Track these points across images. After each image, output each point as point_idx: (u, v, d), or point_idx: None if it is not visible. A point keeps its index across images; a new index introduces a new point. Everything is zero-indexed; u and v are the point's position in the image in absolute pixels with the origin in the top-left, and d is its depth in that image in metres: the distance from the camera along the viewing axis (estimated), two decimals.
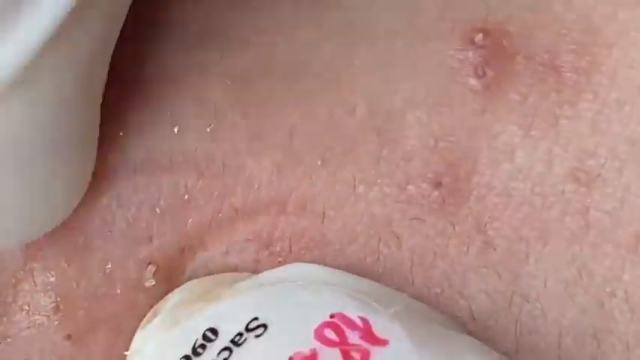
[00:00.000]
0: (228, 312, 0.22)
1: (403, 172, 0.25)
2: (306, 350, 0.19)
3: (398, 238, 0.25)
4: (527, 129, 0.25)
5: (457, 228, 0.25)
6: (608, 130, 0.25)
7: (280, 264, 0.25)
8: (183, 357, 0.21)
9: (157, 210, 0.26)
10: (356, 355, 0.19)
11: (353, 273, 0.25)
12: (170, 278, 0.26)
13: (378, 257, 0.25)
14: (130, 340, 0.25)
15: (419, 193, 0.25)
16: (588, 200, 0.25)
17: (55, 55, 0.19)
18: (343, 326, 0.20)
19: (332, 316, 0.20)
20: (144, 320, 0.24)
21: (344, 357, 0.19)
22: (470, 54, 0.26)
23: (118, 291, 0.26)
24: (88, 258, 0.26)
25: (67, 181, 0.23)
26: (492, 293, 0.25)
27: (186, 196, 0.26)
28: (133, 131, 0.26)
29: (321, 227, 0.25)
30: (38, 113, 0.20)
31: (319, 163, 0.26)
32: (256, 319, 0.21)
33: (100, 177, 0.25)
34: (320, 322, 0.20)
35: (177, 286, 0.25)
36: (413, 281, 0.25)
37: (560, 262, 0.25)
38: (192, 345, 0.21)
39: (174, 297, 0.24)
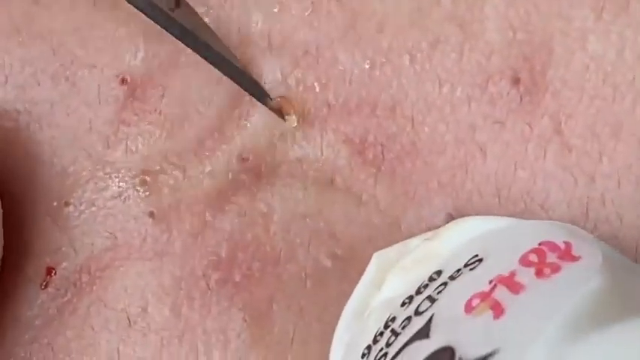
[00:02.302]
0: (456, 253, 0.23)
1: (484, 70, 0.26)
2: (506, 272, 0.21)
3: (482, 149, 0.26)
4: (599, 12, 0.26)
5: (534, 130, 0.26)
6: None
7: (374, 174, 0.26)
8: (407, 297, 0.23)
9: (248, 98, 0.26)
10: (547, 270, 0.20)
11: (443, 187, 0.26)
12: (260, 172, 0.26)
13: (466, 172, 0.26)
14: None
15: (498, 92, 0.26)
16: None
17: None
18: (547, 250, 0.21)
19: (540, 244, 0.22)
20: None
21: (537, 273, 0.20)
22: None
23: (206, 178, 0.27)
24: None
25: None
26: (570, 201, 0.26)
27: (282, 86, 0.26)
28: None
29: (411, 133, 0.26)
30: None
31: (407, 61, 0.26)
32: (476, 255, 0.22)
33: None
34: (528, 249, 0.21)
35: (268, 181, 0.26)
36: (499, 198, 0.26)
37: (632, 158, 0.26)
38: (418, 286, 0.23)
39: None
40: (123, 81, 0.27)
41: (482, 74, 0.26)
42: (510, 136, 0.26)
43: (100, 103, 0.27)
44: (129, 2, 0.24)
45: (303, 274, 0.26)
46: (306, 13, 0.26)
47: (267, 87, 0.26)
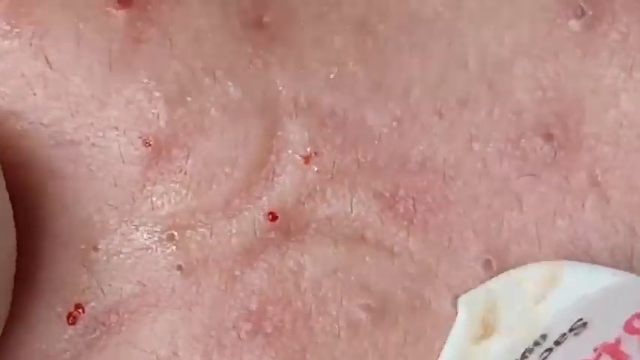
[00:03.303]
0: (560, 317, 0.23)
1: (515, 127, 0.26)
2: (611, 340, 0.21)
3: (517, 198, 0.27)
4: (630, 70, 0.26)
5: (571, 182, 0.26)
6: None
7: (405, 227, 0.27)
8: None
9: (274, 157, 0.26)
10: None
11: (478, 235, 0.27)
12: (289, 230, 0.27)
13: (502, 221, 0.27)
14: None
15: (531, 148, 0.26)
16: None
17: None
18: None
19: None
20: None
21: None
22: None
23: (234, 237, 0.27)
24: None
25: None
26: (613, 249, 0.26)
27: (309, 148, 0.27)
28: None
29: (442, 187, 0.27)
30: None
31: (436, 118, 0.27)
32: (581, 319, 0.22)
33: None
34: (633, 313, 0.21)
35: (297, 239, 0.27)
36: (539, 246, 0.27)
37: None
38: (523, 350, 0.23)
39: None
40: (146, 143, 0.26)
41: (513, 130, 0.26)
42: (545, 188, 0.27)
43: (124, 162, 0.27)
44: None
45: (336, 326, 0.27)
46: (332, 76, 0.26)
47: (294, 147, 0.26)
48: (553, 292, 0.25)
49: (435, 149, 0.27)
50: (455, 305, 0.26)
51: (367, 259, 0.27)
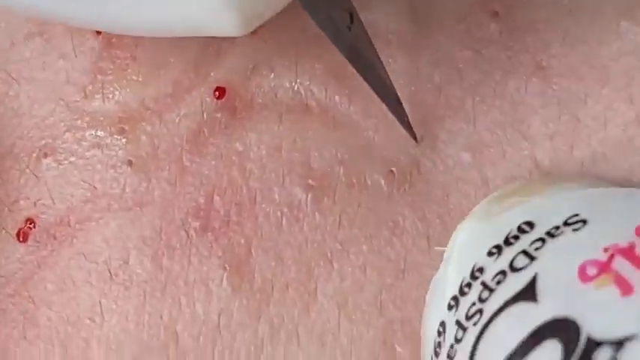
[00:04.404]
0: (549, 206, 0.21)
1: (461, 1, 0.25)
2: (623, 243, 0.18)
3: (459, 72, 0.25)
4: None
5: (515, 64, 0.24)
6: None
7: (347, 95, 0.25)
8: (494, 246, 0.21)
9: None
10: None
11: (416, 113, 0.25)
12: (235, 108, 0.25)
13: (440, 95, 0.25)
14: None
15: (476, 23, 0.25)
16: None
17: None
18: None
19: None
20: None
21: None
22: None
23: (182, 120, 0.26)
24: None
25: None
26: (554, 135, 0.24)
27: None
28: None
29: (385, 59, 0.25)
30: None
31: None
32: (577, 215, 0.20)
33: None
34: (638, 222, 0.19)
35: (243, 116, 0.25)
36: (474, 122, 0.24)
37: (620, 102, 0.23)
38: (505, 236, 0.21)
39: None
40: (97, 32, 0.26)
41: (459, 4, 0.25)
42: (489, 67, 0.25)
43: (76, 56, 0.26)
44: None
45: (279, 213, 0.25)
46: None
47: None
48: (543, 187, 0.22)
49: (383, 19, 0.25)
50: (389, 179, 0.24)
51: (310, 132, 0.25)
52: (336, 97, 0.25)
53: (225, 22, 0.20)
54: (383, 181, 0.25)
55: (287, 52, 0.25)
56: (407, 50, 0.25)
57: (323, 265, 0.24)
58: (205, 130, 0.25)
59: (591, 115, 0.24)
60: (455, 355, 0.20)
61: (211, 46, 0.25)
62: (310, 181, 0.25)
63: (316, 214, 0.24)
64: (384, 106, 0.23)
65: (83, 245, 0.26)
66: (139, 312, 0.25)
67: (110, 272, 0.25)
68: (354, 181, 0.24)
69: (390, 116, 0.24)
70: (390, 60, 0.25)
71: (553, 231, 0.20)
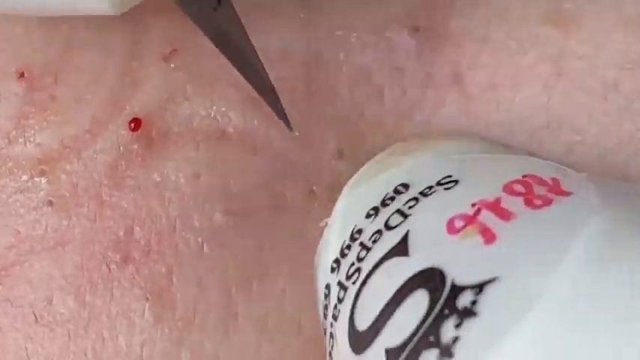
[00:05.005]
0: (424, 169, 0.22)
1: (382, 17, 0.25)
2: (490, 198, 0.19)
3: (379, 91, 0.25)
4: None
5: (435, 77, 0.25)
6: None
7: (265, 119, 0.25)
8: (372, 208, 0.22)
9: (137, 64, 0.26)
10: (537, 201, 0.19)
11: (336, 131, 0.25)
12: (152, 139, 0.26)
13: (362, 113, 0.25)
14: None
15: (397, 40, 0.25)
16: (563, 45, 0.24)
17: None
18: (533, 183, 0.20)
19: (524, 176, 0.20)
20: None
21: (526, 203, 0.19)
22: None
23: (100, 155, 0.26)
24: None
25: None
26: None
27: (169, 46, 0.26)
28: None
29: (304, 77, 0.25)
30: None
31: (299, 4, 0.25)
32: (450, 176, 0.21)
33: None
34: (511, 179, 0.20)
35: (160, 147, 0.26)
36: (394, 139, 0.25)
37: (532, 110, 0.24)
38: (382, 198, 0.22)
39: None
40: (21, 75, 0.26)
41: (380, 21, 0.25)
42: (408, 81, 0.25)
43: (0, 101, 0.26)
44: None
45: (200, 239, 0.24)
46: None
47: (155, 48, 0.26)
48: (416, 147, 0.23)
49: (296, 38, 0.25)
50: (310, 198, 0.25)
51: (229, 158, 0.25)
52: (255, 122, 0.25)
53: None
54: (304, 202, 0.24)
55: (202, 80, 0.25)
56: (325, 70, 0.25)
57: (244, 288, 0.24)
58: (123, 163, 0.25)
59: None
60: (339, 315, 0.20)
61: (127, 77, 0.25)
62: (230, 206, 0.25)
63: (237, 238, 0.24)
64: (303, 125, 0.24)
65: (9, 291, 0.25)
66: (64, 352, 0.24)
67: (35, 315, 0.25)
68: (275, 203, 0.25)
69: (311, 137, 0.24)
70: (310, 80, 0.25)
71: (426, 191, 0.21)
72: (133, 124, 0.25)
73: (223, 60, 0.23)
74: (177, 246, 0.24)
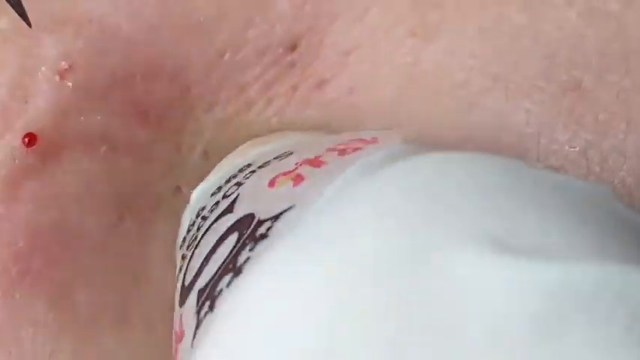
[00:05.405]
0: (264, 154, 0.24)
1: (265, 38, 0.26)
2: (312, 156, 0.21)
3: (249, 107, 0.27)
4: None
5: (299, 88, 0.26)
6: None
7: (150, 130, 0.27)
8: (216, 188, 0.24)
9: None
10: (349, 150, 0.21)
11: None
12: (46, 152, 0.26)
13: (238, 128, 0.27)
14: None
15: (273, 59, 0.26)
16: (421, 52, 0.26)
17: None
18: (354, 142, 0.22)
19: (350, 140, 0.22)
20: None
21: (339, 153, 0.21)
22: None
23: None
24: None
25: None
26: None
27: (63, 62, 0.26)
28: None
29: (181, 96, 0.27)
30: None
31: (195, 24, 0.26)
32: (287, 152, 0.23)
33: None
34: (337, 143, 0.22)
35: (55, 160, 0.26)
36: None
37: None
38: (226, 178, 0.24)
39: None
40: None
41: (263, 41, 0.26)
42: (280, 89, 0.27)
43: None
44: None
45: (98, 246, 0.25)
46: None
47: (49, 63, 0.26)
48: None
49: (187, 58, 0.26)
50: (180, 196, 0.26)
51: (122, 167, 0.26)
52: (142, 135, 0.26)
53: None
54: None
55: (94, 93, 0.26)
56: None
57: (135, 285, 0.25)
58: (18, 177, 0.25)
59: None
60: (177, 284, 0.22)
61: (19, 91, 0.26)
62: (124, 211, 0.26)
63: (134, 240, 0.26)
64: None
65: None
66: None
67: None
68: (162, 204, 0.26)
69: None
70: None
71: (264, 165, 0.23)
72: (27, 139, 0.25)
73: (119, 73, 0.24)
74: (76, 253, 0.25)
